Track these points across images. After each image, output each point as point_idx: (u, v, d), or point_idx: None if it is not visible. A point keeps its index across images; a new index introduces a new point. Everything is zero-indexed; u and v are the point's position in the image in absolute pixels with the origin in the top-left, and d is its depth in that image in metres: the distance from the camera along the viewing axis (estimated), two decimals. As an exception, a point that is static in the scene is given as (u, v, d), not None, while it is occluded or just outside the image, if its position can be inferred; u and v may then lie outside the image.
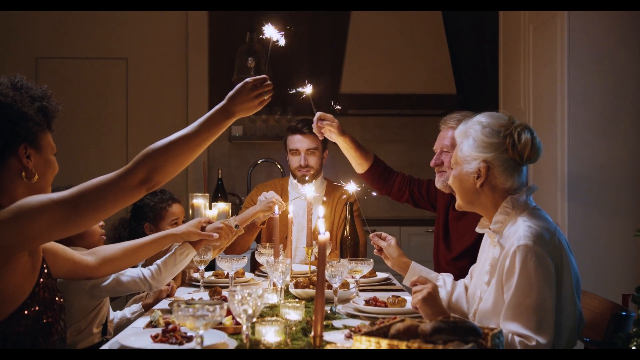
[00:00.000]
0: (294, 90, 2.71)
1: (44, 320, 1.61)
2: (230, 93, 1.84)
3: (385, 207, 5.28)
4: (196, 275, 2.79)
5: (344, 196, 3.22)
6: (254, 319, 1.59)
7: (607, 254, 3.48)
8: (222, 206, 3.02)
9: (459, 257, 2.73)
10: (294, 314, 1.86)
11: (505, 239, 1.86)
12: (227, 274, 2.61)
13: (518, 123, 1.93)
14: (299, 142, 3.37)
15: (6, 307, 1.56)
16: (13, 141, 1.62)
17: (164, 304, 2.43)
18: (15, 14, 5.37)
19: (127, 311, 2.65)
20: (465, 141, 1.94)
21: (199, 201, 2.91)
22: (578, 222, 3.48)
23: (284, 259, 2.27)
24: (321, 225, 1.67)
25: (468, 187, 1.95)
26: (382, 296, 2.28)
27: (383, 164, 3.12)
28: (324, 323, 1.84)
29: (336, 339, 1.76)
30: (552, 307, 1.73)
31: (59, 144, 1.76)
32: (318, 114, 2.88)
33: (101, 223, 2.45)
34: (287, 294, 2.43)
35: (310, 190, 2.68)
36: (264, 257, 2.67)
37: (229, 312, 1.85)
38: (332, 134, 2.91)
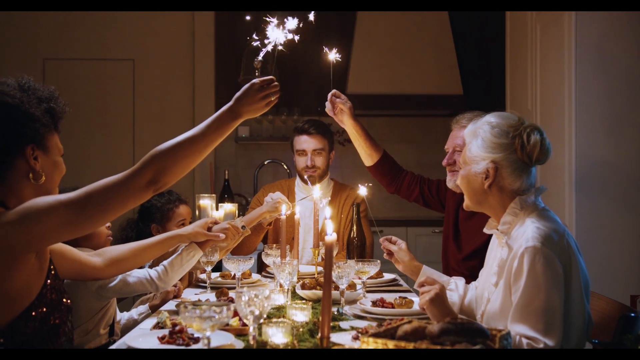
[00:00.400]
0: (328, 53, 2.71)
1: (52, 322, 1.62)
2: (237, 94, 1.84)
3: (392, 207, 5.27)
4: (203, 276, 2.79)
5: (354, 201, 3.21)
6: (261, 320, 1.59)
7: (615, 254, 3.46)
8: (228, 207, 3.01)
9: (469, 257, 2.72)
10: (301, 315, 1.86)
11: (513, 240, 1.85)
12: (234, 275, 2.61)
13: (528, 124, 1.91)
14: (305, 142, 3.37)
15: (14, 308, 1.56)
16: (20, 142, 1.62)
17: (170, 305, 2.43)
18: (22, 15, 5.39)
19: (134, 312, 2.65)
20: (474, 141, 1.93)
21: (206, 202, 2.91)
22: (585, 222, 3.47)
23: (291, 260, 2.27)
24: (329, 227, 1.67)
25: (476, 187, 1.94)
26: (389, 297, 2.27)
27: (392, 159, 3.11)
28: (331, 324, 1.84)
29: (343, 341, 1.76)
30: (560, 309, 1.72)
31: (65, 145, 1.76)
32: (334, 90, 2.88)
33: (108, 224, 2.45)
34: (294, 295, 2.42)
35: (317, 190, 2.67)
36: (271, 258, 2.66)
37: (235, 314, 1.84)
38: (343, 115, 2.90)
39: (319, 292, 2.36)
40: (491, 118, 1.94)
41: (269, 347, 1.64)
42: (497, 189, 1.92)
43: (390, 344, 1.40)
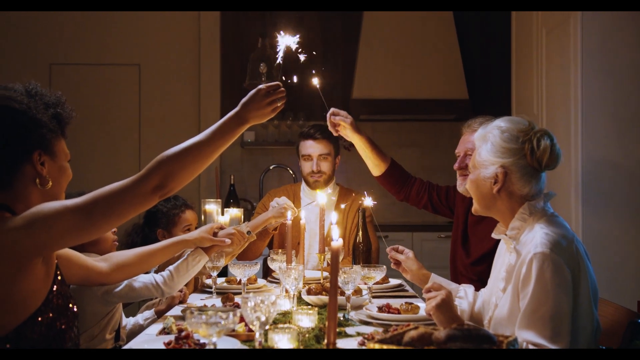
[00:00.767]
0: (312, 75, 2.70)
1: (58, 327, 1.61)
2: (244, 100, 1.84)
3: (398, 212, 5.27)
4: (208, 281, 2.79)
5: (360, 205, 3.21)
6: (267, 326, 1.59)
7: (622, 259, 3.45)
8: (234, 212, 3.01)
9: (477, 262, 2.71)
10: (307, 320, 1.86)
11: (521, 246, 1.84)
12: (240, 280, 2.61)
13: (538, 129, 1.90)
14: (311, 147, 3.37)
15: (20, 313, 1.56)
16: (27, 148, 1.62)
17: (176, 310, 2.43)
18: (28, 20, 5.42)
19: (140, 317, 2.65)
20: (483, 145, 1.92)
21: (211, 207, 2.91)
22: (592, 227, 3.46)
23: (297, 265, 2.27)
24: (335, 232, 1.67)
25: (485, 192, 1.94)
26: (395, 303, 2.26)
27: (400, 167, 3.10)
28: (337, 330, 1.83)
29: (349, 346, 1.75)
30: (568, 315, 1.71)
31: (71, 149, 1.77)
32: (331, 109, 2.85)
33: (114, 229, 2.45)
34: (300, 300, 2.42)
35: (323, 197, 2.67)
36: (277, 263, 2.66)
37: (241, 319, 1.84)
38: (346, 131, 2.89)
39: (324, 298, 2.35)
40: (501, 122, 1.93)
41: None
42: (506, 194, 1.91)
43: (397, 350, 1.40)
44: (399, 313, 2.17)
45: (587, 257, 1.83)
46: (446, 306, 1.86)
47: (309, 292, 2.41)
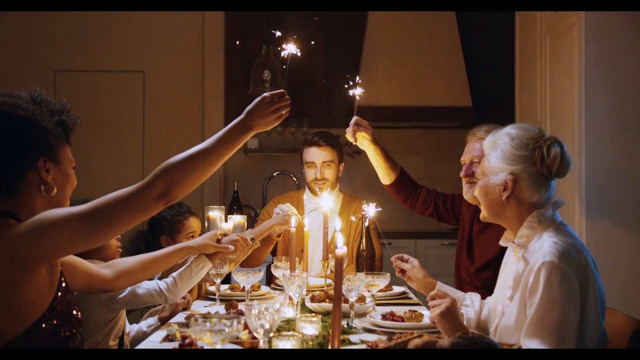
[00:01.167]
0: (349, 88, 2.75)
1: (62, 334, 1.61)
2: (248, 107, 1.84)
3: (401, 220, 5.27)
4: (212, 288, 2.78)
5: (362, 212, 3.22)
6: (271, 334, 1.58)
7: (627, 267, 3.43)
8: (237, 219, 3.02)
9: (481, 269, 2.71)
10: (311, 328, 1.85)
11: (530, 254, 1.83)
12: (243, 287, 2.61)
13: (548, 136, 1.89)
14: (315, 154, 3.37)
15: (24, 320, 1.56)
16: (32, 155, 1.63)
17: (180, 317, 2.43)
18: (33, 27, 5.44)
19: (144, 324, 2.64)
20: (493, 152, 1.92)
21: (215, 214, 2.91)
22: (596, 235, 3.45)
23: (301, 272, 2.26)
24: (339, 240, 1.67)
25: (494, 199, 1.93)
26: (399, 310, 2.26)
27: (409, 176, 3.14)
28: (341, 338, 1.83)
29: (353, 354, 1.75)
30: (575, 325, 1.70)
31: (75, 157, 1.77)
32: (355, 118, 2.89)
33: (118, 236, 2.45)
34: (303, 307, 2.42)
35: (327, 202, 2.67)
36: (280, 270, 2.66)
37: (245, 326, 1.84)
38: (364, 141, 2.92)
39: (328, 305, 2.35)
40: (511, 130, 1.93)
41: None
42: (515, 201, 1.90)
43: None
44: (403, 321, 2.17)
45: (595, 267, 1.82)
46: (450, 314, 1.85)
47: (312, 299, 2.41)
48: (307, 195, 3.46)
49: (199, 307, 2.58)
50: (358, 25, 5.45)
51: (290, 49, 2.06)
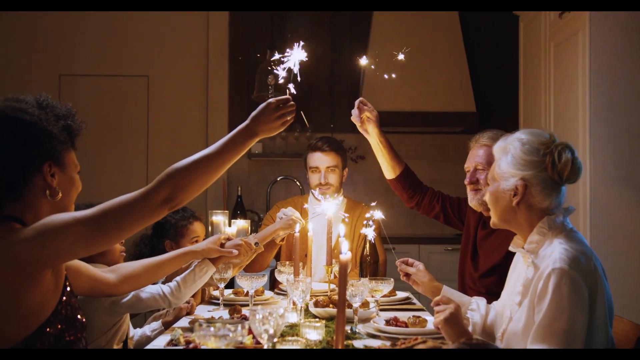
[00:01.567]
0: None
1: (66, 339, 1.62)
2: (254, 113, 1.85)
3: (405, 224, 5.26)
4: (216, 293, 2.79)
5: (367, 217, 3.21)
6: (275, 339, 1.58)
7: (631, 274, 3.43)
8: (241, 223, 3.01)
9: (485, 275, 2.70)
10: (314, 333, 1.85)
11: (540, 260, 1.82)
12: (247, 292, 2.61)
13: (559, 142, 1.88)
14: (319, 159, 3.37)
15: (28, 324, 1.56)
16: (38, 159, 1.63)
17: (184, 322, 2.43)
18: (38, 32, 5.46)
19: (147, 329, 2.65)
20: (503, 157, 1.91)
21: (219, 218, 2.91)
22: (601, 242, 3.44)
23: (304, 277, 2.26)
24: (343, 245, 1.67)
25: (504, 204, 1.92)
26: (403, 316, 2.25)
27: (414, 174, 3.10)
28: (344, 343, 1.83)
29: None
30: (582, 333, 1.69)
31: (80, 161, 1.78)
32: (360, 98, 2.92)
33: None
34: (307, 312, 2.42)
35: (331, 207, 2.67)
36: (284, 275, 2.66)
37: (249, 331, 1.84)
38: (370, 123, 2.91)
39: (332, 310, 2.35)
40: (522, 135, 1.92)
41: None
42: (526, 207, 1.89)
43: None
44: (407, 326, 2.17)
45: (604, 275, 1.81)
46: (455, 320, 1.85)
47: (316, 305, 2.40)
48: (311, 200, 3.46)
49: (203, 311, 2.58)
50: (362, 31, 5.46)
51: (297, 55, 2.04)
